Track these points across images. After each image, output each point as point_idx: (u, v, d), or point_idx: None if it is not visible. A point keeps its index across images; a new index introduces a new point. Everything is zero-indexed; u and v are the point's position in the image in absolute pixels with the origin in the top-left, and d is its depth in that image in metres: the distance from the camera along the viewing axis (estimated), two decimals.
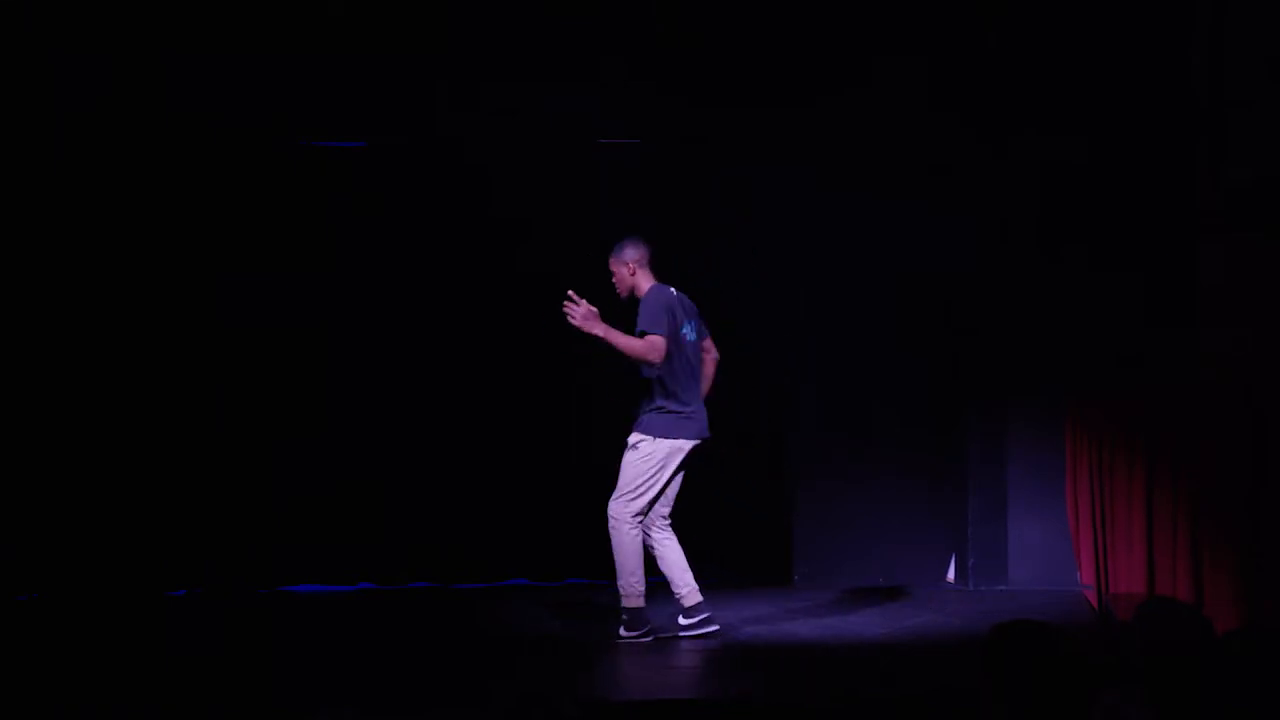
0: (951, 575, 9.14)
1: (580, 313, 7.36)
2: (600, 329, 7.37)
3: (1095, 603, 7.92)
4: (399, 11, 8.88)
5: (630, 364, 7.51)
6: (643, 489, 7.47)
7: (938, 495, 9.17)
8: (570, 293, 7.36)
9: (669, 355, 7.43)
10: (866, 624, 7.94)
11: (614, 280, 7.63)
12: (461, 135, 9.17)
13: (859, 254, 9.08)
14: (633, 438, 7.54)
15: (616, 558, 7.48)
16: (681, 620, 7.54)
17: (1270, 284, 7.96)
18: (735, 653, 7.29)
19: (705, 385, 7.70)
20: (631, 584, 7.45)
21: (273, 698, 6.38)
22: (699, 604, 7.52)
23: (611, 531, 7.49)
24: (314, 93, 8.97)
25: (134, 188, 8.91)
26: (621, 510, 7.47)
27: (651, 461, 7.47)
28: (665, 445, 7.48)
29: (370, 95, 9.01)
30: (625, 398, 9.02)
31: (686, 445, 7.50)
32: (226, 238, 8.99)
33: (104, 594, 8.73)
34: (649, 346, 7.41)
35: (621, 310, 7.67)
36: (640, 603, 7.47)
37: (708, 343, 7.75)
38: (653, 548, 7.57)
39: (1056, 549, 8.66)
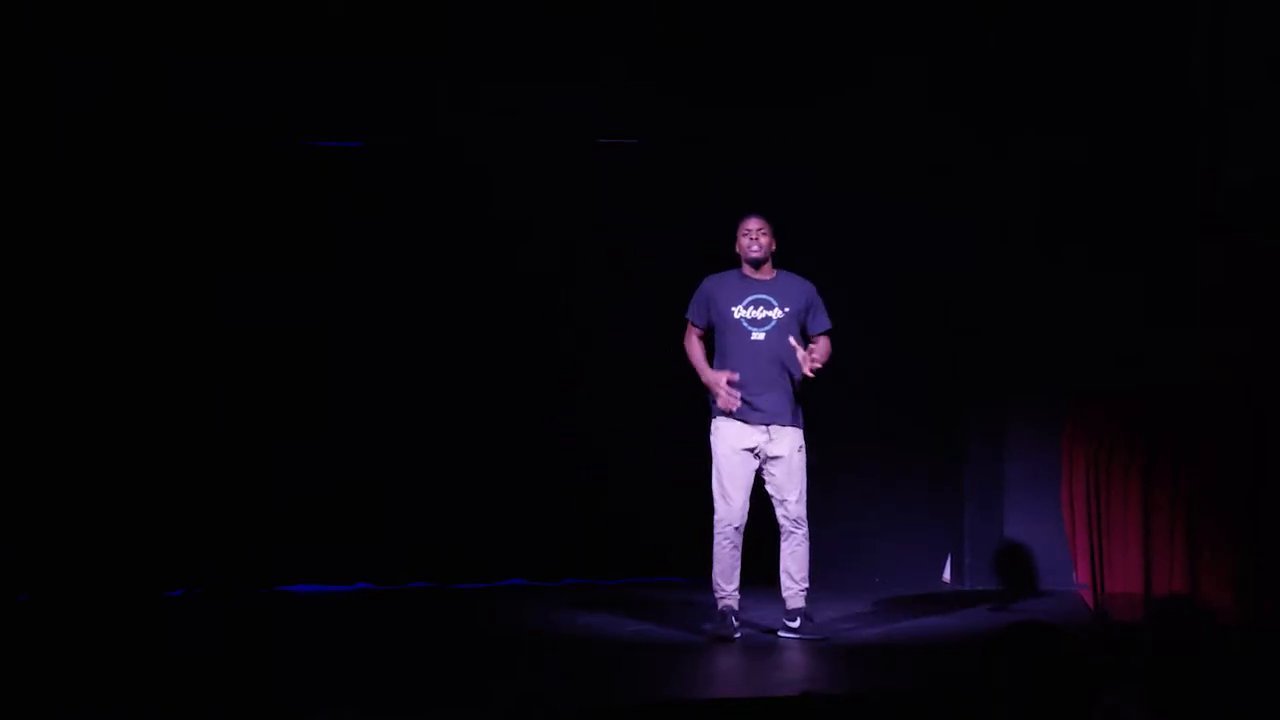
0: (947, 575, 9.14)
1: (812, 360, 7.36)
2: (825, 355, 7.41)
3: (1091, 602, 7.93)
4: (399, 11, 8.88)
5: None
6: None
7: (937, 495, 9.17)
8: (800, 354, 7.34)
9: None
10: (863, 623, 7.93)
11: (761, 237, 7.51)
12: (461, 135, 9.16)
13: (859, 254, 9.07)
14: (800, 438, 7.50)
15: (806, 557, 7.48)
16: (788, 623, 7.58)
17: (1270, 284, 7.97)
18: (731, 652, 7.29)
19: None
20: None
21: (273, 698, 6.38)
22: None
23: (805, 539, 7.48)
24: (314, 93, 8.97)
25: (134, 188, 8.90)
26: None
27: None
28: None
29: (370, 95, 9.00)
30: (624, 398, 9.07)
31: None
32: (226, 238, 8.97)
33: (102, 594, 8.72)
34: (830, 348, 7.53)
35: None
36: None
37: None
38: (738, 550, 7.51)
39: (1055, 549, 8.66)
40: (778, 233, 8.88)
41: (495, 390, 9.15)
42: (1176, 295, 8.69)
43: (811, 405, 8.99)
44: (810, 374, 7.34)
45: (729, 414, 7.42)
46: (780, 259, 8.32)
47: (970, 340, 9.09)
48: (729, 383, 7.35)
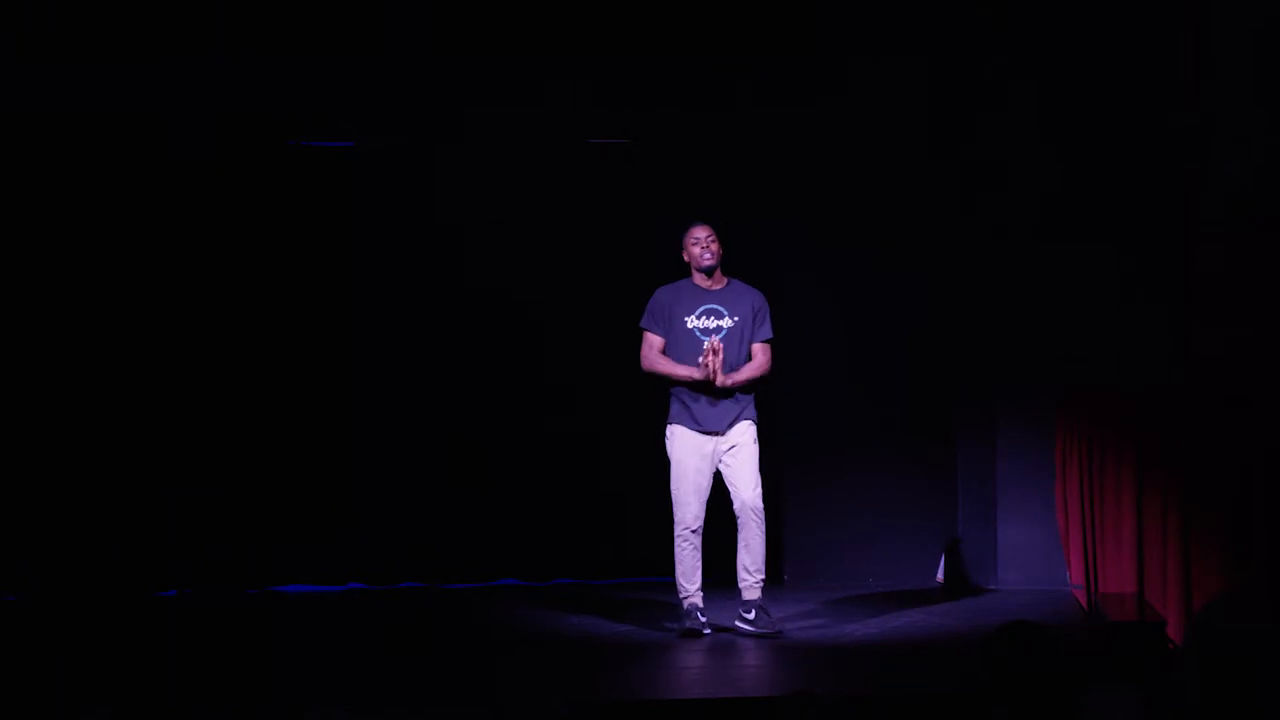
0: (941, 575, 9.13)
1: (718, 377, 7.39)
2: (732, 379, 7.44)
3: (1084, 602, 7.93)
4: (397, 11, 8.87)
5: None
6: None
7: (930, 495, 9.15)
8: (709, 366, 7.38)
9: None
10: (856, 623, 7.92)
11: (712, 244, 7.54)
12: (457, 135, 9.16)
13: (853, 254, 9.07)
14: (752, 430, 7.52)
15: (762, 548, 7.50)
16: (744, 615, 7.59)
17: (1266, 284, 7.97)
18: (723, 652, 7.29)
19: None
20: None
21: (265, 697, 6.38)
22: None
23: (761, 530, 7.51)
24: (309, 92, 8.98)
25: (133, 187, 8.90)
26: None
27: None
28: None
29: (365, 95, 9.01)
30: (618, 400, 9.06)
31: None
32: (221, 237, 8.98)
33: (93, 595, 8.71)
34: (769, 359, 7.57)
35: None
36: None
37: None
38: (698, 550, 7.56)
39: (1047, 549, 8.68)
40: (773, 233, 8.91)
41: (489, 391, 9.16)
42: (1172, 295, 8.69)
43: (806, 407, 9.04)
44: (715, 379, 7.37)
45: (683, 423, 7.48)
46: (773, 260, 8.36)
47: (964, 340, 9.08)
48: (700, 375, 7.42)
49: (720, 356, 7.39)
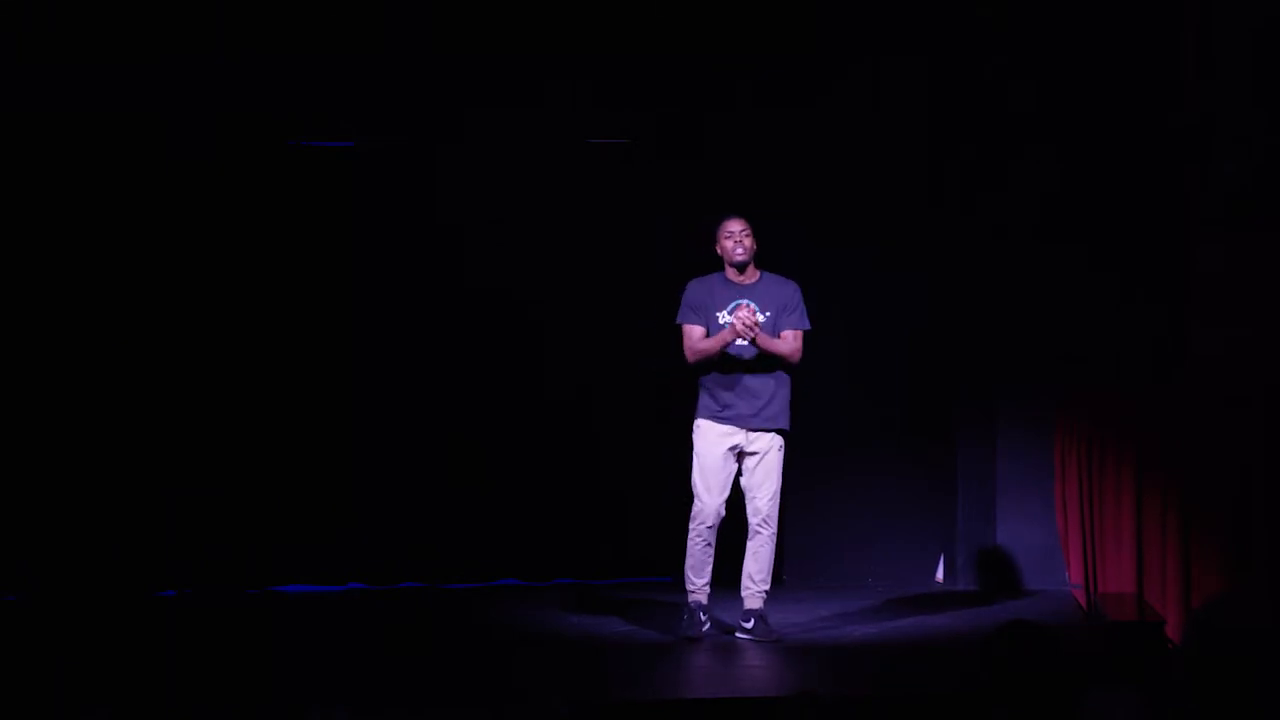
0: (940, 575, 9.14)
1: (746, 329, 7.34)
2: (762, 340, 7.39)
3: (1084, 602, 7.94)
4: (397, 11, 8.87)
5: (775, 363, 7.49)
6: None
7: (929, 495, 9.16)
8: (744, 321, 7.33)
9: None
10: (855, 624, 7.94)
11: (745, 239, 7.46)
12: (457, 135, 9.16)
13: (855, 253, 9.08)
14: (780, 441, 7.49)
15: (769, 559, 7.50)
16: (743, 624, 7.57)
17: (1266, 284, 7.97)
18: (723, 652, 7.29)
19: None
20: None
21: (264, 697, 6.38)
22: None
23: (771, 540, 7.49)
24: (311, 93, 8.99)
25: (133, 187, 8.90)
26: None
27: None
28: None
29: (365, 95, 9.02)
30: (619, 400, 9.06)
31: None
32: (221, 237, 8.98)
33: (92, 595, 8.70)
34: (800, 347, 7.50)
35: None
36: None
37: None
38: (711, 547, 7.52)
39: (1047, 549, 8.68)
40: (772, 233, 8.90)
41: (489, 390, 9.15)
42: (1172, 295, 8.70)
43: (805, 407, 9.01)
44: (744, 339, 7.33)
45: (711, 417, 7.43)
46: (780, 259, 8.33)
47: (964, 340, 9.09)
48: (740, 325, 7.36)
49: (750, 309, 7.34)
